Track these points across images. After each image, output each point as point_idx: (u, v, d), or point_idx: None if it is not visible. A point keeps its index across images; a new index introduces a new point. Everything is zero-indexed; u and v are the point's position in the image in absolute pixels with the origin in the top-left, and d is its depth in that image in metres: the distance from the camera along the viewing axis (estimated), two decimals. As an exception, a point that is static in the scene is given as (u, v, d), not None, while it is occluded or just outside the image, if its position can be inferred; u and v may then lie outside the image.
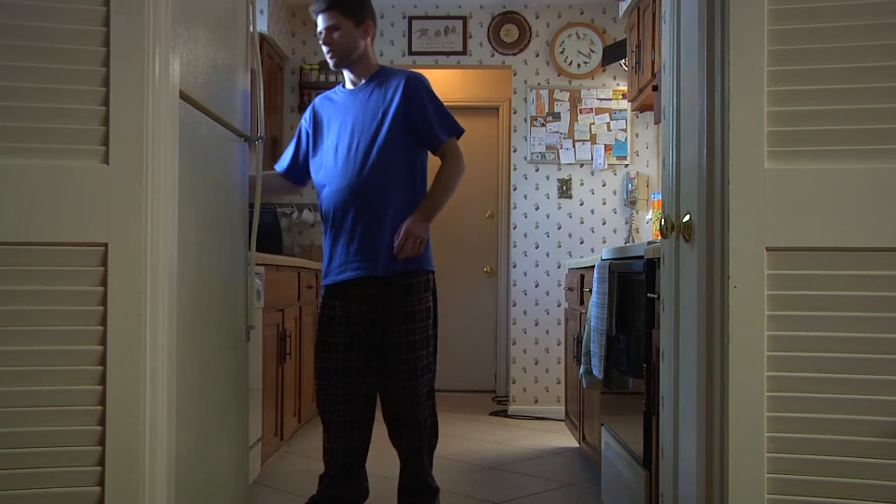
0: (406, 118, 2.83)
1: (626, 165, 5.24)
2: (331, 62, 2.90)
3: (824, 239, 1.60)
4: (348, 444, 2.87)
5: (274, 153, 5.05)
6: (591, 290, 3.21)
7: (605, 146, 5.24)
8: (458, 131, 2.93)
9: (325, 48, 2.89)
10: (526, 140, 5.29)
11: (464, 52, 5.33)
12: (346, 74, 2.96)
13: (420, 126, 2.86)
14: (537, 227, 5.30)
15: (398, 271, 2.81)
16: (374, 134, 2.83)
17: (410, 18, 5.30)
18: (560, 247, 5.29)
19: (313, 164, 3.00)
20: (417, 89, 2.85)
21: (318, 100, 3.05)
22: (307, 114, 3.05)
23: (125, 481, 1.65)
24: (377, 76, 2.94)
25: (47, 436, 1.63)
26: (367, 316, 2.84)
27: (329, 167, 2.89)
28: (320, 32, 2.88)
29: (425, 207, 2.84)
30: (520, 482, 3.60)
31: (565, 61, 5.28)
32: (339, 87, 3.03)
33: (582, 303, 3.71)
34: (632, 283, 2.68)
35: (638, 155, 5.25)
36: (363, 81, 2.94)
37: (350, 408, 2.86)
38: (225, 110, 2.30)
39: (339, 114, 2.93)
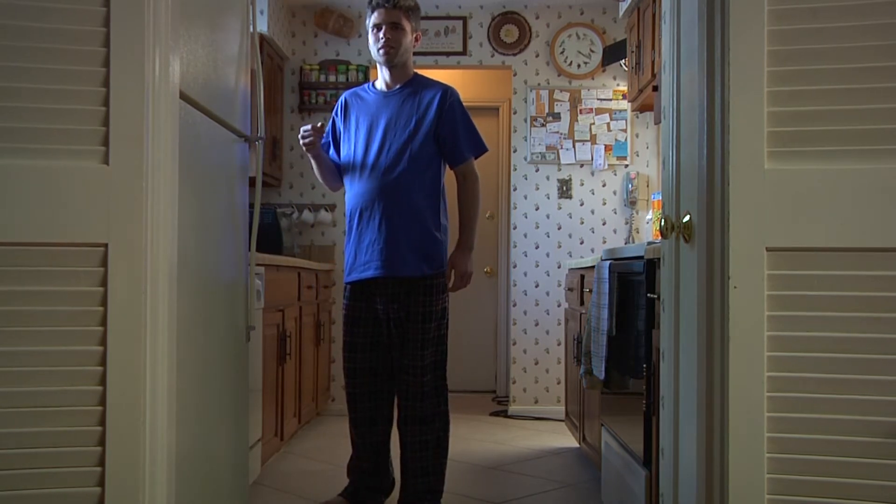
0: (437, 130, 2.94)
1: (626, 166, 5.24)
2: (382, 57, 2.95)
3: (824, 239, 1.60)
4: (374, 439, 3.05)
5: (274, 153, 5.05)
6: (591, 291, 3.21)
7: (605, 146, 5.23)
8: (482, 150, 3.07)
9: (381, 41, 2.94)
10: (526, 140, 5.29)
11: (464, 53, 5.33)
12: (383, 75, 3.03)
13: (447, 139, 2.97)
14: (537, 227, 5.30)
15: (421, 274, 2.92)
16: (408, 139, 2.92)
17: (410, 19, 5.29)
18: (560, 247, 5.29)
19: (342, 159, 3.08)
20: (452, 104, 2.98)
21: (348, 95, 3.12)
22: (338, 108, 3.12)
23: (125, 481, 1.65)
24: (412, 83, 3.02)
25: (47, 436, 1.63)
26: (391, 315, 2.95)
27: (358, 165, 2.98)
28: (379, 25, 2.93)
29: (465, 242, 3.03)
30: (520, 482, 3.60)
31: (565, 61, 5.28)
32: (368, 86, 3.09)
33: (582, 303, 3.71)
34: (632, 284, 2.68)
35: (638, 155, 5.25)
36: (398, 86, 3.00)
37: (375, 404, 3.03)
38: (225, 110, 2.30)
39: (370, 113, 2.99)
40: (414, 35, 3.00)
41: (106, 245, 1.66)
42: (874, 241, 1.59)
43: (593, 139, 5.24)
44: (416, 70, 3.09)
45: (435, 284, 2.96)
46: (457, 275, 3.02)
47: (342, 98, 3.12)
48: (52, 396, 1.63)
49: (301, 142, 2.94)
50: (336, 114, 3.11)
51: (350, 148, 3.01)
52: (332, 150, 3.13)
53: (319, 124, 2.94)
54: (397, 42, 2.92)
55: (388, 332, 2.97)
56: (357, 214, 2.97)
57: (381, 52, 2.93)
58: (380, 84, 3.04)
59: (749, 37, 1.61)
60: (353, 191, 3.00)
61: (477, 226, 3.07)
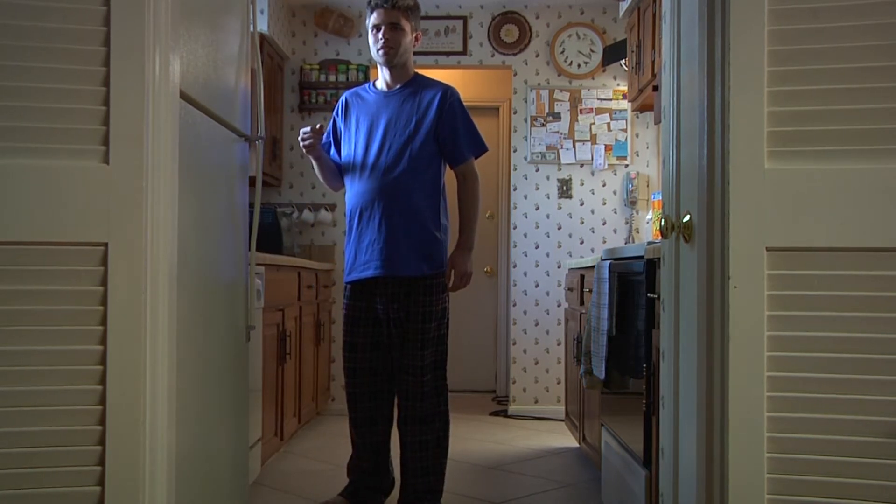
0: (437, 130, 2.94)
1: (627, 165, 5.24)
2: (381, 58, 2.96)
3: (824, 239, 1.60)
4: (374, 439, 3.05)
5: (274, 153, 5.05)
6: (591, 291, 3.21)
7: (606, 146, 5.23)
8: (482, 150, 3.07)
9: (380, 41, 2.94)
10: (526, 140, 5.29)
11: (464, 53, 5.33)
12: (383, 75, 3.03)
13: (447, 140, 2.97)
14: (537, 227, 5.30)
15: (421, 274, 2.92)
16: (408, 140, 2.92)
17: (410, 18, 5.29)
18: (560, 247, 5.29)
19: (342, 159, 3.08)
20: (453, 104, 2.98)
21: (348, 94, 3.12)
22: (339, 108, 3.13)
23: (125, 481, 1.65)
24: (412, 83, 3.03)
25: (47, 435, 1.63)
26: (391, 315, 2.95)
27: (358, 165, 2.98)
28: (378, 26, 2.94)
29: (464, 242, 3.03)
30: (520, 482, 3.60)
31: (565, 61, 5.28)
32: (369, 86, 3.09)
33: (582, 303, 3.71)
34: (632, 284, 2.68)
35: (638, 155, 5.25)
36: (398, 86, 3.00)
37: (375, 404, 3.03)
38: (225, 110, 2.30)
39: (370, 113, 3.00)
40: (414, 35, 2.99)
41: (106, 244, 1.66)
42: (874, 240, 1.59)
43: (593, 139, 5.24)
44: (416, 70, 3.09)
45: (435, 284, 2.95)
46: (456, 275, 3.02)
47: (343, 98, 3.12)
48: (52, 395, 1.63)
49: (301, 143, 2.94)
50: (336, 113, 3.11)
51: (350, 148, 3.02)
52: (332, 150, 3.13)
53: (319, 126, 2.94)
54: (396, 42, 2.92)
55: (388, 331, 2.97)
56: (357, 214, 2.97)
57: (381, 52, 2.93)
58: (380, 84, 3.04)
59: (749, 37, 1.61)
60: (353, 190, 3.00)
61: (477, 226, 3.07)
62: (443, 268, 2.98)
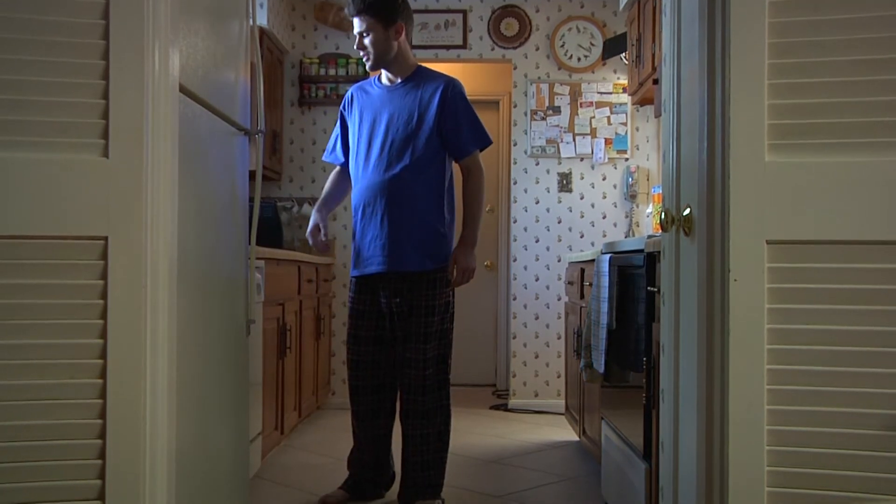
0: (439, 123, 2.93)
1: (627, 159, 5.24)
2: (367, 65, 2.99)
3: (825, 232, 1.60)
4: (376, 432, 3.06)
5: (274, 147, 5.05)
6: (591, 284, 3.21)
7: (606, 140, 5.23)
8: (486, 143, 3.05)
9: (360, 52, 2.96)
10: (526, 134, 5.28)
11: (464, 46, 5.32)
12: (384, 72, 3.03)
13: (450, 133, 2.96)
14: (537, 221, 5.29)
15: (424, 268, 2.93)
16: (410, 134, 2.92)
17: (410, 12, 5.28)
18: (560, 241, 5.29)
19: (350, 154, 3.10)
20: (455, 97, 2.96)
21: (354, 89, 3.14)
22: (345, 102, 3.14)
23: (125, 474, 1.65)
24: (414, 76, 3.02)
25: (48, 429, 1.63)
26: (394, 310, 2.95)
27: (361, 161, 2.99)
28: (356, 35, 2.96)
29: (467, 237, 3.00)
30: (520, 476, 3.61)
31: (565, 55, 5.27)
32: (374, 80, 3.11)
33: (582, 297, 3.71)
34: (632, 277, 2.68)
35: (638, 149, 5.25)
36: (399, 80, 3.00)
37: (378, 398, 3.04)
38: (225, 104, 2.30)
39: (374, 108, 3.01)
40: (393, 29, 2.94)
41: (106, 238, 1.66)
42: (874, 233, 1.59)
43: (593, 133, 5.24)
44: (420, 63, 3.09)
45: (438, 279, 2.95)
46: (458, 270, 3.00)
47: (349, 92, 3.14)
48: (52, 389, 1.64)
49: (318, 248, 3.07)
50: (343, 108, 3.13)
51: (354, 143, 3.03)
52: (339, 146, 3.14)
53: (326, 239, 3.10)
54: (373, 47, 2.94)
55: (391, 325, 2.97)
56: (361, 210, 2.97)
57: (364, 60, 2.98)
58: (384, 79, 3.05)
59: (750, 29, 1.61)
60: (357, 186, 3.01)
61: (480, 221, 3.05)
62: (446, 262, 2.97)
